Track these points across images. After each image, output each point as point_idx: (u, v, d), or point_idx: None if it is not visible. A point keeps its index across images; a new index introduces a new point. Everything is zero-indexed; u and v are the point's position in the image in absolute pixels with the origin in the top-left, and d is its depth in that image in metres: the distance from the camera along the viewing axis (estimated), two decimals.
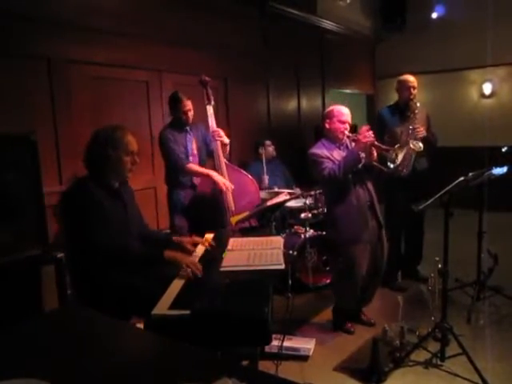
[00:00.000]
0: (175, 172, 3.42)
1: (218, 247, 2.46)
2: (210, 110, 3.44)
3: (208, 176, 3.31)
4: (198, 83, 3.45)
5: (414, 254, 4.17)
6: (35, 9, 3.19)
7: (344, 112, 3.15)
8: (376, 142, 2.94)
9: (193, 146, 3.48)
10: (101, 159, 2.22)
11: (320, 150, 3.11)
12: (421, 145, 3.57)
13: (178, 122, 3.43)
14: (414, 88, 3.80)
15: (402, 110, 3.83)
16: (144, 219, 2.58)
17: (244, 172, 3.64)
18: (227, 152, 3.52)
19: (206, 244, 2.49)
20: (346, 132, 3.11)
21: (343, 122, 3.11)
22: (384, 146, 3.01)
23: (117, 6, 3.79)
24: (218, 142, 3.40)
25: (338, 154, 3.10)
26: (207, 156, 3.60)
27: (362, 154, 2.97)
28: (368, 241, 3.12)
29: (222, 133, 3.41)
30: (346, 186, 3.06)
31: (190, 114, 3.41)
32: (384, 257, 3.28)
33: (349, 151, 3.07)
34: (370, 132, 2.92)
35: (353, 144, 3.12)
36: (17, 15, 3.10)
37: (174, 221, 3.47)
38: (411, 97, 3.76)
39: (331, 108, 3.23)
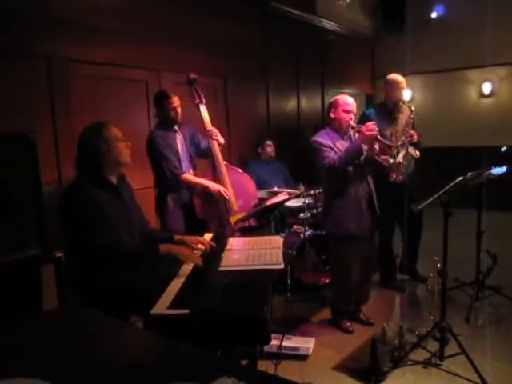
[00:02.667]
0: (167, 177, 3.27)
1: (218, 247, 2.46)
2: (202, 109, 3.36)
3: (205, 187, 3.26)
4: (185, 82, 3.39)
5: (412, 253, 4.17)
6: (35, 8, 3.19)
7: (349, 102, 3.12)
8: (379, 137, 2.93)
9: (183, 147, 3.37)
10: (99, 156, 2.23)
11: (323, 138, 3.09)
12: (418, 152, 3.57)
13: (166, 122, 3.31)
14: (403, 88, 3.78)
15: (390, 110, 3.78)
16: (145, 216, 2.57)
17: (241, 171, 3.63)
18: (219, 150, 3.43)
19: (207, 244, 2.44)
20: (351, 122, 3.08)
21: (348, 112, 3.08)
22: (387, 142, 3.00)
23: (116, 6, 3.78)
24: (215, 142, 3.35)
25: (340, 145, 3.07)
26: (198, 156, 3.52)
27: (365, 147, 2.95)
28: (362, 235, 3.13)
29: (217, 132, 3.37)
30: (346, 178, 3.05)
31: (179, 110, 3.31)
32: (375, 252, 3.30)
33: (351, 143, 3.05)
34: (375, 126, 2.90)
35: (357, 135, 3.09)
36: (16, 14, 3.10)
37: (167, 225, 3.33)
38: (401, 95, 3.73)
39: (336, 97, 3.20)
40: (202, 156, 3.54)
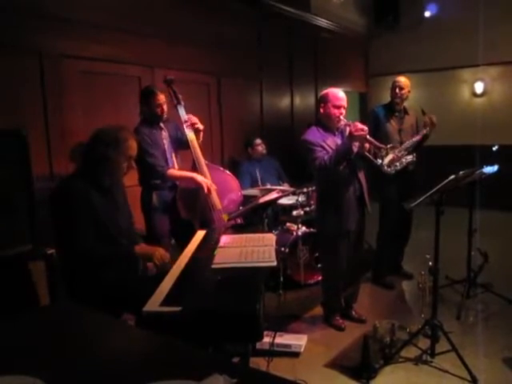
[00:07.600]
0: (152, 174, 3.23)
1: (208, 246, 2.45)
2: (181, 110, 3.32)
3: (191, 178, 3.23)
4: (162, 83, 3.36)
5: (400, 250, 4.21)
6: (27, 2, 3.16)
7: (339, 96, 2.98)
8: (368, 137, 2.85)
9: (168, 144, 3.33)
10: (99, 158, 2.20)
11: (313, 136, 3.00)
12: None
13: (152, 118, 3.26)
14: (401, 88, 3.84)
15: (393, 109, 3.91)
16: (132, 217, 2.57)
17: (224, 170, 3.61)
18: (200, 139, 3.38)
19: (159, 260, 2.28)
20: (342, 117, 2.97)
21: (338, 107, 2.96)
22: (377, 143, 2.96)
23: (110, 1, 3.75)
24: (194, 140, 3.27)
25: (332, 141, 3.00)
26: (180, 148, 3.46)
27: (356, 143, 2.89)
28: (349, 231, 3.12)
29: (195, 119, 3.30)
30: (338, 176, 3.00)
31: (165, 107, 3.26)
32: (362, 249, 3.31)
33: (341, 143, 2.97)
34: (364, 126, 2.82)
35: (347, 130, 2.99)
36: (8, 8, 3.06)
37: (152, 224, 3.28)
38: (397, 95, 3.84)
39: (326, 91, 3.07)
40: (184, 147, 3.45)
